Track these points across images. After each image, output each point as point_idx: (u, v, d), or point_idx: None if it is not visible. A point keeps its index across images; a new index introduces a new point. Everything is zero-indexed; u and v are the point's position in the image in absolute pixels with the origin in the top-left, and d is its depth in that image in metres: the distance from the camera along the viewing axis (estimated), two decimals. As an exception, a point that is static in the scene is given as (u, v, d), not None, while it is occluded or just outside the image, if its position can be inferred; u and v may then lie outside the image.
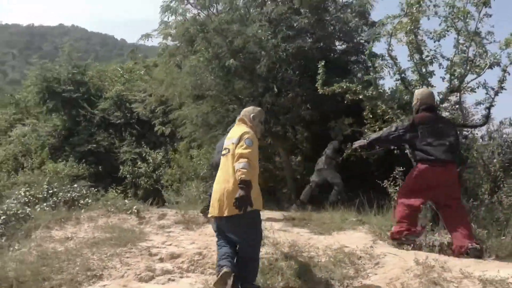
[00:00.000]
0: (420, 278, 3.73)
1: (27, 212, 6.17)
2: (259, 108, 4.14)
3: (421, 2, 5.83)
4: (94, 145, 15.73)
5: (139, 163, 13.86)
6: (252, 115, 3.94)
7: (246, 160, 3.49)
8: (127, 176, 13.84)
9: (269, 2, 8.79)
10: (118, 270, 4.29)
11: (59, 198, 7.15)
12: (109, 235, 5.27)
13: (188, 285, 4.09)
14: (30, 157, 16.01)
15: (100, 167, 14.96)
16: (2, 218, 5.95)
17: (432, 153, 4.52)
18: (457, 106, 6.75)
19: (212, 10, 9.40)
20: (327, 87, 6.65)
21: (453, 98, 6.58)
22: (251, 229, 3.70)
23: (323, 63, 6.67)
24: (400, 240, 4.72)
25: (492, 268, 3.76)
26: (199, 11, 9.48)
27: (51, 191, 7.41)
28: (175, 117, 10.53)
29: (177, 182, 9.82)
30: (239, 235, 3.65)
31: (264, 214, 5.46)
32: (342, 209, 6.57)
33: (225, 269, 3.43)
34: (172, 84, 9.66)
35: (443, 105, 6.38)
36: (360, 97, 6.54)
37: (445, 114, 6.42)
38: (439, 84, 7.29)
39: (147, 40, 11.40)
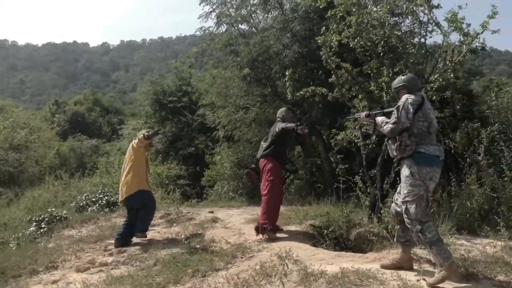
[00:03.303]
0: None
1: (63, 214, 7.89)
2: (143, 131, 6.05)
3: None
4: (193, 148, 17.77)
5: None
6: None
7: None
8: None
9: (275, 13, 9.16)
10: (70, 262, 5.49)
11: (103, 201, 8.83)
12: (95, 233, 6.57)
13: (107, 275, 5.04)
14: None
15: (197, 167, 16.89)
16: (46, 220, 7.76)
17: None
18: None
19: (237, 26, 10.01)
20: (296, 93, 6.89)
21: None
22: None
23: (290, 71, 6.90)
24: None
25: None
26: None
27: (101, 196, 9.14)
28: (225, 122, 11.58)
29: (218, 181, 10.78)
30: None
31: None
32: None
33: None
34: (210, 93, 10.78)
35: None
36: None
37: None
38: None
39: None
